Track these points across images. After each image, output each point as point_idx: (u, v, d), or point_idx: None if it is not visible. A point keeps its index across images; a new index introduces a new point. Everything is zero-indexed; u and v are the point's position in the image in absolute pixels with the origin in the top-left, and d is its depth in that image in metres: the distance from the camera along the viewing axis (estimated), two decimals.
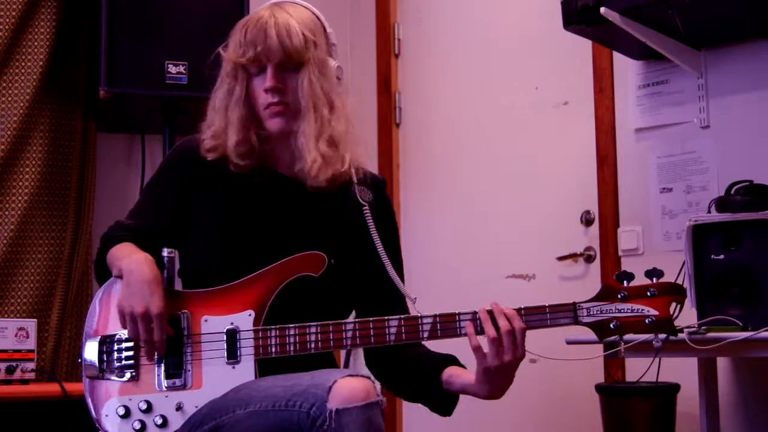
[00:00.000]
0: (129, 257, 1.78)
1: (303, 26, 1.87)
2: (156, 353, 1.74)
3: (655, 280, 1.77)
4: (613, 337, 1.79)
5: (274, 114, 1.87)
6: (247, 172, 1.90)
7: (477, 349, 1.74)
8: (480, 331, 1.75)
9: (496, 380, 1.77)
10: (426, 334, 1.78)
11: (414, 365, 1.88)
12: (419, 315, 1.78)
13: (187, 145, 1.96)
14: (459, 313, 1.77)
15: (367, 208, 1.92)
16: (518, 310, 1.76)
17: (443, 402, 1.86)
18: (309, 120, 1.86)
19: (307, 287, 1.80)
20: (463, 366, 1.89)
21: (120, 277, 1.77)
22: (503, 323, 1.73)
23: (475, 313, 1.76)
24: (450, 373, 1.86)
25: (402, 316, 1.78)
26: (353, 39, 3.88)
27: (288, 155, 1.91)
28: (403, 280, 1.97)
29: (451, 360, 1.90)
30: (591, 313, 1.77)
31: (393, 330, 1.77)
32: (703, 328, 2.29)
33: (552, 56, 3.29)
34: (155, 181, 1.98)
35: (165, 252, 1.80)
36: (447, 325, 1.78)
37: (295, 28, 1.85)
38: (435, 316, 1.78)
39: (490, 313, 1.75)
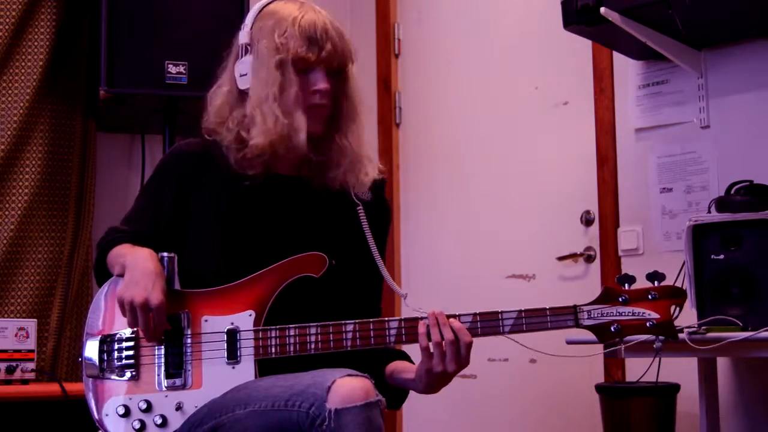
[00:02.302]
0: (133, 254, 1.78)
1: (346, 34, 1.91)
2: (154, 344, 1.75)
3: (656, 283, 1.77)
4: (613, 340, 1.79)
5: (318, 115, 1.88)
6: (247, 172, 1.89)
7: (425, 350, 1.75)
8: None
9: (434, 381, 1.78)
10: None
11: (364, 358, 1.86)
12: (419, 317, 1.78)
13: (184, 148, 1.96)
14: (459, 315, 1.77)
15: (361, 208, 1.92)
16: (473, 316, 1.76)
17: (388, 396, 1.81)
18: (352, 127, 1.91)
19: (307, 288, 1.80)
20: (411, 361, 1.90)
21: (122, 275, 1.77)
22: (447, 334, 1.73)
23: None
24: (393, 367, 1.88)
25: (402, 318, 1.78)
26: (353, 39, 3.86)
27: (297, 156, 1.90)
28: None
29: (399, 354, 1.91)
30: (592, 316, 1.77)
31: (393, 332, 1.77)
32: (703, 328, 2.29)
33: (552, 56, 3.29)
34: (152, 185, 1.97)
35: (164, 253, 1.80)
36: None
37: (346, 36, 1.90)
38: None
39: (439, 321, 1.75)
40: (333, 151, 1.91)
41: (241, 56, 1.92)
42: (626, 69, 3.06)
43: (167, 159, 2.00)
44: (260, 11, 1.92)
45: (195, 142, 1.96)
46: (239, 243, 1.86)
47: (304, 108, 1.86)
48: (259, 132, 1.84)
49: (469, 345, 1.74)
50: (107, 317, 1.80)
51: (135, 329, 1.77)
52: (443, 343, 1.73)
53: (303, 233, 1.88)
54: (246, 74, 1.89)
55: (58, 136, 3.10)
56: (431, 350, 1.74)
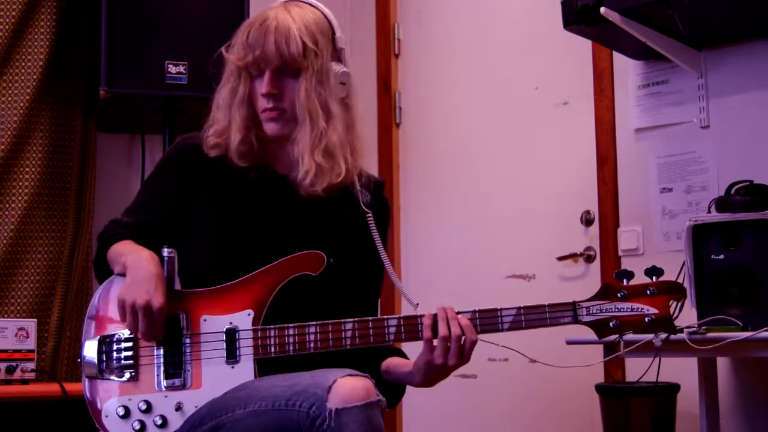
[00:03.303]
0: (134, 254, 1.78)
1: (305, 32, 1.84)
2: (153, 346, 1.75)
3: (654, 278, 1.77)
4: (612, 336, 1.79)
5: (269, 119, 1.87)
6: (247, 171, 1.90)
7: (428, 341, 1.75)
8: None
9: (432, 374, 1.78)
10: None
11: (360, 356, 1.85)
12: (419, 315, 1.78)
13: (186, 142, 1.96)
14: (459, 312, 1.77)
15: (370, 215, 1.92)
16: (473, 313, 1.76)
17: (384, 393, 1.78)
18: (304, 130, 1.86)
19: (306, 287, 1.80)
20: (405, 357, 1.90)
21: (122, 274, 1.77)
22: (455, 329, 1.74)
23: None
24: (389, 362, 1.88)
25: (402, 316, 1.78)
26: (353, 39, 3.88)
27: (285, 158, 1.92)
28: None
29: (394, 351, 1.91)
30: (591, 312, 1.77)
31: (393, 330, 1.77)
32: (703, 328, 2.29)
33: (552, 56, 3.29)
34: (154, 179, 1.97)
35: (165, 252, 1.80)
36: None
37: (294, 35, 1.83)
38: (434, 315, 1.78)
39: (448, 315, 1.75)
40: (291, 154, 1.89)
41: None
42: (626, 69, 3.06)
43: (169, 153, 2.00)
44: None
45: (197, 136, 1.96)
46: (238, 241, 1.86)
47: (259, 111, 1.88)
48: (212, 132, 1.92)
49: (474, 343, 1.75)
50: (106, 317, 1.80)
51: None
52: (450, 337, 1.73)
53: (301, 232, 1.88)
54: None
55: (58, 136, 3.10)
56: (434, 343, 1.74)
